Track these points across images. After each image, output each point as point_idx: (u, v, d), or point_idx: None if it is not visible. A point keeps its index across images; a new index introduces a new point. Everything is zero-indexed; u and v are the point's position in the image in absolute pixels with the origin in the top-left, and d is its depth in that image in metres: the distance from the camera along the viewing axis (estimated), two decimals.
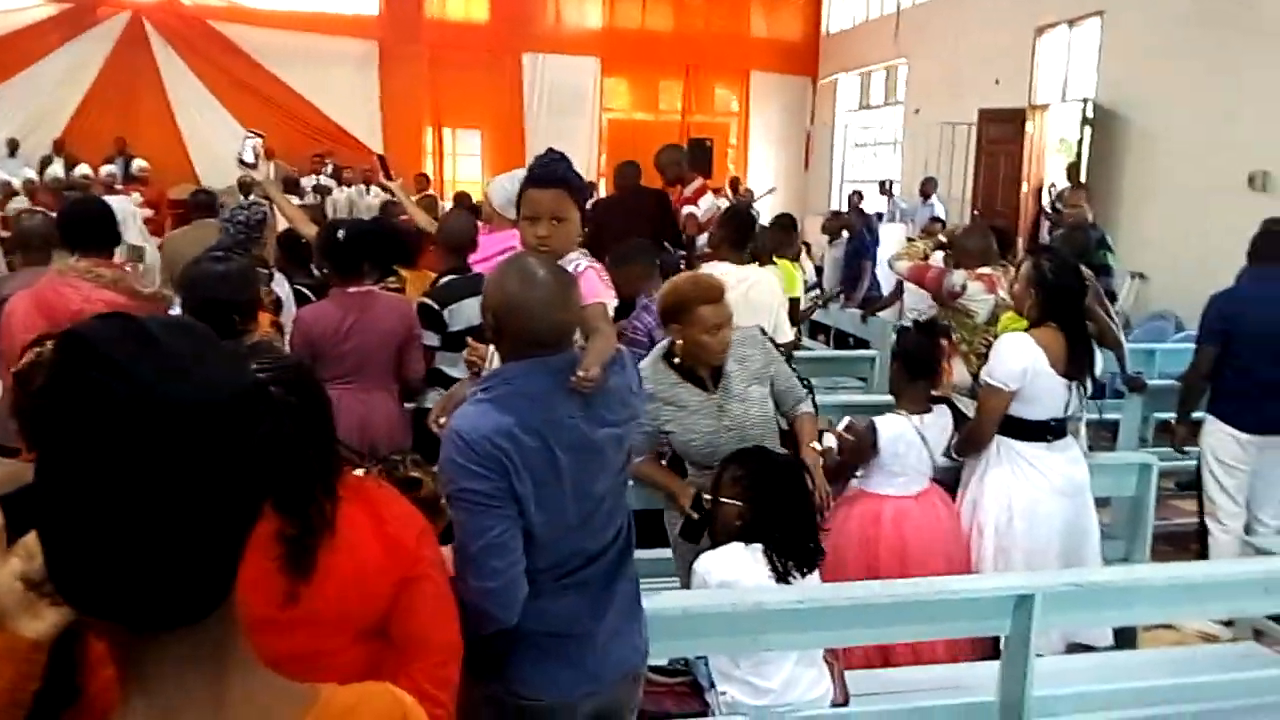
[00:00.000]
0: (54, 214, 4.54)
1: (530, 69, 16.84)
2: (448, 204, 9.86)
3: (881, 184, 13.63)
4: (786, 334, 4.70)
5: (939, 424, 3.62)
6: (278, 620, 1.48)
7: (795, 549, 2.70)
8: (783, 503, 2.75)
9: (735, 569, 2.68)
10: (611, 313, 2.51)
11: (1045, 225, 10.93)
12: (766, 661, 2.70)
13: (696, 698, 2.78)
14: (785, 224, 7.38)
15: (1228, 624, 4.35)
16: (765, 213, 13.13)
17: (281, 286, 4.70)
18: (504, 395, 1.91)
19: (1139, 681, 3.01)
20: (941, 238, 5.84)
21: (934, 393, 3.68)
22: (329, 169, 13.66)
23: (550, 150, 2.39)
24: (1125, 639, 3.84)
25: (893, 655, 3.27)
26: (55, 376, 0.83)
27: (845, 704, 2.83)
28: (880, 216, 13.14)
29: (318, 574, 1.53)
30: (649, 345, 3.94)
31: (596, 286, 2.31)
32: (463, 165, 17.25)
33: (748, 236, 4.90)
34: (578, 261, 2.41)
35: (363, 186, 12.54)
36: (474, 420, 1.88)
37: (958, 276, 4.65)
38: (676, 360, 3.12)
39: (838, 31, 17.93)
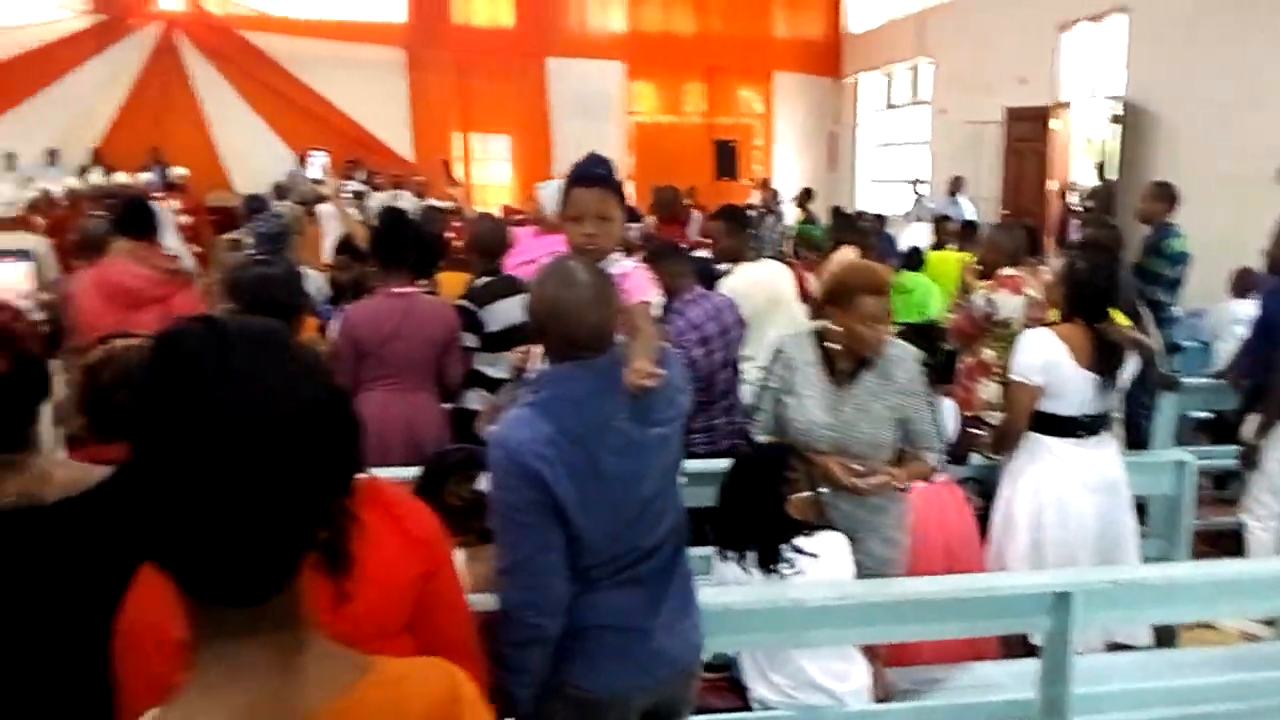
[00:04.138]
0: (103, 219, 5.11)
1: (555, 74, 16.89)
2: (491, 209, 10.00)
3: (912, 183, 13.60)
4: (803, 322, 4.77)
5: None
6: (323, 625, 1.54)
7: (761, 550, 2.74)
8: (746, 504, 2.80)
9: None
10: (659, 312, 2.54)
11: (1074, 224, 10.88)
12: (799, 658, 2.73)
13: (737, 694, 2.82)
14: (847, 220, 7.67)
15: (1269, 624, 4.34)
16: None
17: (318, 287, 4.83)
18: (547, 400, 1.92)
19: (1180, 680, 3.01)
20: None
21: (967, 414, 3.70)
22: (361, 175, 13.78)
23: (593, 153, 2.43)
24: (1165, 638, 3.85)
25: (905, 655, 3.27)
26: (147, 372, 0.91)
27: (886, 700, 2.86)
28: (906, 216, 13.17)
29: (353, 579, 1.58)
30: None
31: (642, 285, 2.33)
32: (492, 170, 17.36)
33: (743, 231, 5.09)
34: (623, 261, 2.45)
35: (394, 193, 12.64)
36: (515, 430, 1.90)
37: (979, 301, 4.64)
38: (824, 342, 3.02)
39: (861, 31, 17.91)
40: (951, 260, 7.27)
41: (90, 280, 4.08)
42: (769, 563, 2.71)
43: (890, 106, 17.31)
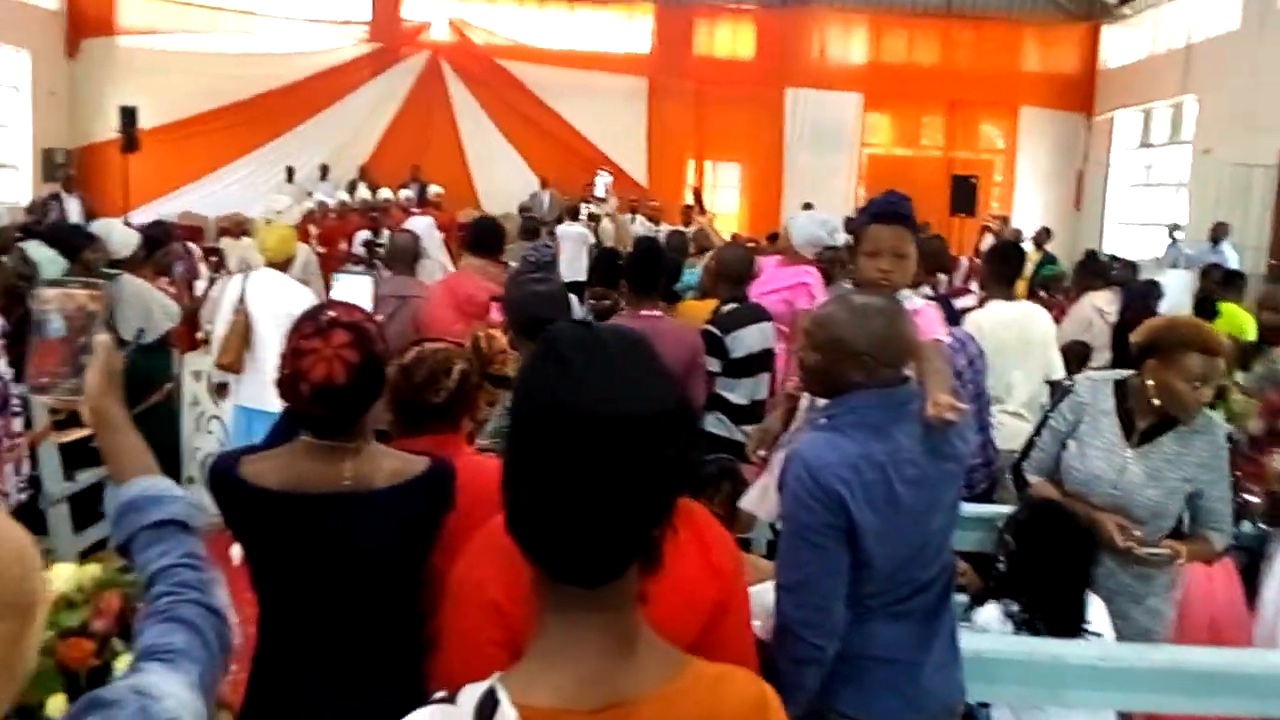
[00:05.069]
0: (413, 233, 5.75)
1: (792, 104, 16.97)
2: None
3: (1169, 228, 12.75)
4: (1058, 371, 4.58)
5: None
6: None
7: (1051, 611, 2.62)
8: (1047, 565, 2.66)
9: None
10: (948, 351, 2.53)
11: None
12: (1058, 718, 2.62)
13: None
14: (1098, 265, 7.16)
15: None
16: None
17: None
18: (850, 424, 1.94)
19: None
20: None
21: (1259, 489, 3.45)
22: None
23: (892, 190, 2.46)
24: None
25: None
26: (527, 368, 1.05)
27: None
28: (1159, 262, 12.31)
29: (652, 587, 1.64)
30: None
31: (933, 324, 2.33)
32: (721, 197, 17.58)
33: (1015, 273, 4.81)
34: (913, 299, 2.45)
35: (629, 215, 13.03)
36: (820, 450, 1.92)
37: None
38: (1125, 392, 2.83)
39: (1117, 66, 16.99)
40: (1238, 316, 6.30)
41: (445, 290, 4.51)
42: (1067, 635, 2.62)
43: (1145, 145, 16.32)
